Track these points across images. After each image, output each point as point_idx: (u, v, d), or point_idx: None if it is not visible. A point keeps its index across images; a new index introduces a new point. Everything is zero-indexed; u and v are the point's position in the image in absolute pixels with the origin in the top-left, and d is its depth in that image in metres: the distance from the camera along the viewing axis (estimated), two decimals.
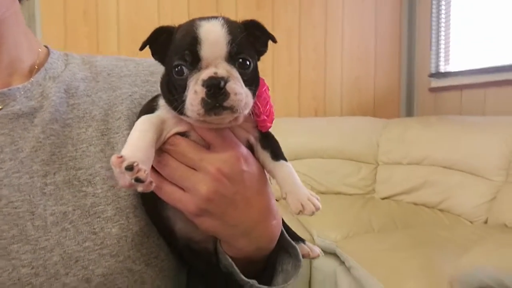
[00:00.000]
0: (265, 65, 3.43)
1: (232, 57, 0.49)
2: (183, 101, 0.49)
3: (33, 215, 0.51)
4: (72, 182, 0.55)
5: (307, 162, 3.10)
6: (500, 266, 1.26)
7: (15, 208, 0.51)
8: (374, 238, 2.12)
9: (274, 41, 0.55)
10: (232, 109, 0.48)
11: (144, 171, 0.45)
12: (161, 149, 0.53)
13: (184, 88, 0.50)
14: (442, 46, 3.29)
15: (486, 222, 2.27)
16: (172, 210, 0.55)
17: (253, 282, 0.57)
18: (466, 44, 3.11)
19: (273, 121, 0.55)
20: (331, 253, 2.30)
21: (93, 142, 0.59)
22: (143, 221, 0.57)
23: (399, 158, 2.87)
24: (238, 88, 0.48)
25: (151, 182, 0.46)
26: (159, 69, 0.57)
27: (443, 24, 3.27)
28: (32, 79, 0.60)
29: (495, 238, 1.76)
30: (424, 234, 2.05)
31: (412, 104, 3.57)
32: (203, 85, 0.47)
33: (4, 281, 0.47)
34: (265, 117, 0.53)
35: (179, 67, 0.50)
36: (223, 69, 0.48)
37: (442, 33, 3.28)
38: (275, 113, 0.56)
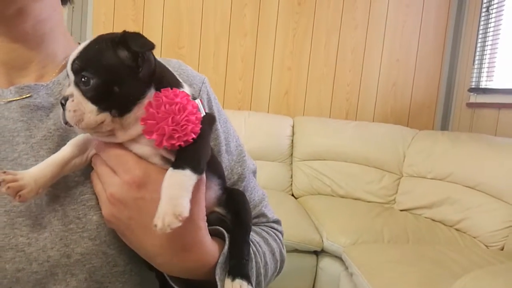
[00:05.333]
0: (302, 63, 3.44)
1: (76, 77, 0.52)
2: None
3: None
4: None
5: (330, 164, 3.11)
6: None
7: None
8: (381, 248, 2.11)
9: (142, 49, 0.51)
10: (69, 123, 0.52)
11: (7, 188, 0.51)
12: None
13: None
14: (486, 60, 3.15)
15: (502, 249, 2.20)
16: None
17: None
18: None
19: (186, 139, 0.51)
20: (338, 257, 2.32)
21: None
22: None
23: (424, 172, 2.81)
24: (70, 106, 0.52)
25: (17, 196, 0.51)
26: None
27: (490, 38, 3.14)
28: (54, 79, 0.69)
29: (492, 266, 1.71)
30: (432, 251, 2.02)
31: (448, 118, 3.46)
32: None
33: (4, 245, 0.55)
34: (155, 136, 0.51)
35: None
36: (71, 87, 0.53)
37: (488, 47, 3.15)
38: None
